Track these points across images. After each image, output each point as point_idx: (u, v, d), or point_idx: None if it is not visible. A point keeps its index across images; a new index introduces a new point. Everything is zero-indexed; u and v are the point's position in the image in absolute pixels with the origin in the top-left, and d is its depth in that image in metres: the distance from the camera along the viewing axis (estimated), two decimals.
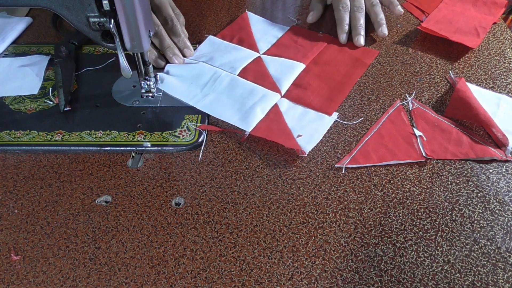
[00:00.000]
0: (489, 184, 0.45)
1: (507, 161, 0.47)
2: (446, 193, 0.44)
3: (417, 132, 0.50)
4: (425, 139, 0.49)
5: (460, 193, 0.44)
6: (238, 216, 0.42)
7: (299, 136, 0.49)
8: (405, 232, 0.41)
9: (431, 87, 0.56)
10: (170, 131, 0.49)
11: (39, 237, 0.41)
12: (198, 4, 0.71)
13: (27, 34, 0.65)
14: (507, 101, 0.54)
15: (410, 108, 0.53)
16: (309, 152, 0.48)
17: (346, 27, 0.63)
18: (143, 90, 0.53)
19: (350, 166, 0.47)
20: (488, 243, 0.40)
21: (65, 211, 0.43)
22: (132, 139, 0.49)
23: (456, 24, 0.65)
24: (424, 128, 0.50)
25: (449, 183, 0.45)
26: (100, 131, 0.49)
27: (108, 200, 0.44)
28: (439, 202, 0.44)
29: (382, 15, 0.63)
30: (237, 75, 0.57)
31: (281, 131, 0.49)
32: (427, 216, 0.42)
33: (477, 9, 0.69)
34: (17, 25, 0.64)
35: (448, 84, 0.57)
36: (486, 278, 0.38)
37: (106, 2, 0.41)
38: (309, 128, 0.50)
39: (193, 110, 0.52)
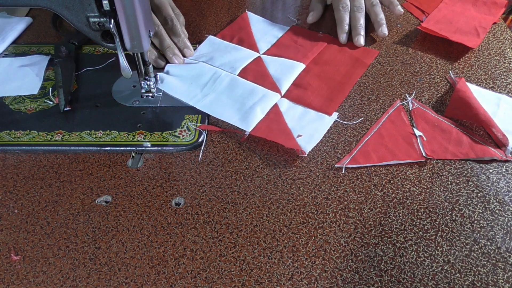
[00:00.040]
0: (489, 184, 0.45)
1: (507, 161, 0.47)
2: (446, 193, 0.44)
3: (417, 132, 0.50)
4: (425, 139, 0.49)
5: (460, 193, 0.44)
6: (238, 216, 0.42)
7: (299, 136, 0.49)
8: (405, 232, 0.41)
9: (431, 87, 0.56)
10: (170, 131, 0.49)
11: (39, 237, 0.41)
12: (198, 4, 0.71)
13: (27, 34, 0.65)
14: (507, 101, 0.54)
15: (410, 108, 0.53)
16: (309, 152, 0.48)
17: (346, 27, 0.63)
18: (143, 90, 0.53)
19: (350, 166, 0.47)
20: (488, 243, 0.40)
21: (65, 211, 0.43)
22: (132, 139, 0.49)
23: (456, 24, 0.65)
24: (424, 128, 0.50)
25: (449, 183, 0.45)
26: (100, 131, 0.49)
27: (108, 200, 0.44)
28: (439, 202, 0.44)
29: (382, 15, 0.63)
30: (237, 75, 0.57)
31: (281, 131, 0.49)
32: (427, 216, 0.42)
33: (477, 9, 0.69)
34: (17, 25, 0.64)
35: (448, 84, 0.57)
36: (486, 278, 0.38)
37: (106, 2, 0.41)
38: (309, 128, 0.50)
39: (193, 110, 0.52)
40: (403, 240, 0.41)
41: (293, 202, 0.43)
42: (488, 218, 0.42)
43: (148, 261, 0.39)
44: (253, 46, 0.62)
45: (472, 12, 0.68)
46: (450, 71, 0.58)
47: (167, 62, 0.58)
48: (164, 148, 0.48)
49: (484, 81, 0.57)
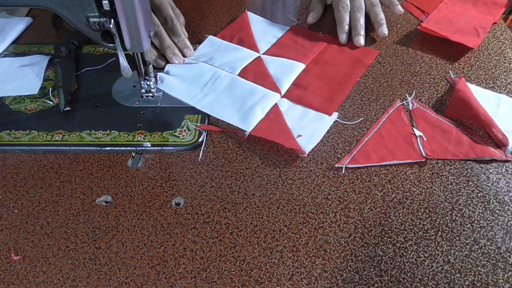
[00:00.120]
0: (489, 184, 0.45)
1: (507, 161, 0.47)
2: (446, 193, 0.44)
3: (417, 132, 0.50)
4: (425, 139, 0.49)
5: (460, 193, 0.44)
6: (238, 216, 0.42)
7: (299, 136, 0.49)
8: (405, 232, 0.41)
9: (431, 87, 0.56)
10: (170, 131, 0.49)
11: (39, 237, 0.41)
12: (198, 4, 0.71)
13: (27, 34, 0.65)
14: (507, 101, 0.54)
15: (410, 108, 0.53)
16: (309, 152, 0.48)
17: (346, 27, 0.63)
18: (143, 90, 0.53)
19: (350, 166, 0.47)
20: (488, 243, 0.40)
21: (65, 211, 0.43)
22: (132, 139, 0.49)
23: (456, 24, 0.65)
24: (424, 128, 0.50)
25: (449, 183, 0.45)
26: (100, 131, 0.49)
27: (108, 200, 0.44)
28: (439, 202, 0.44)
29: (382, 15, 0.63)
30: (237, 75, 0.57)
31: (281, 131, 0.49)
32: (427, 216, 0.42)
33: (477, 9, 0.69)
34: (17, 25, 0.64)
35: (448, 84, 0.57)
36: (486, 278, 0.38)
37: (106, 2, 0.41)
38: (309, 128, 0.50)
39: (193, 110, 0.52)
40: (403, 240, 0.41)
41: (293, 202, 0.43)
42: (488, 218, 0.42)
43: (148, 261, 0.39)
44: (253, 46, 0.62)
45: (472, 12, 0.68)
46: (450, 71, 0.58)
47: (167, 62, 0.58)
48: (164, 148, 0.48)
49: (484, 81, 0.57)
